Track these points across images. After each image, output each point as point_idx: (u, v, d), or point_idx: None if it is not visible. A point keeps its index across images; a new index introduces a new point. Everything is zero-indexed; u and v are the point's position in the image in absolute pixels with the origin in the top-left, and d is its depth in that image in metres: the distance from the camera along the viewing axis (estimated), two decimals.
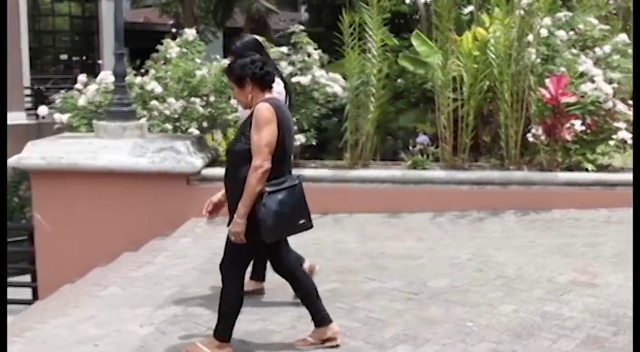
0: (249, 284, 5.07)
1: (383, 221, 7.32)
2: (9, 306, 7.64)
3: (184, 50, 8.44)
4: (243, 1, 25.18)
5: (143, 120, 7.77)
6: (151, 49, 9.15)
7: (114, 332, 4.59)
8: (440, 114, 7.98)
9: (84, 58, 25.86)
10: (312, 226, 4.25)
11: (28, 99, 21.50)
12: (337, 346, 4.22)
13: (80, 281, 6.16)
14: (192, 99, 8.16)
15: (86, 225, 7.02)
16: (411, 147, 8.22)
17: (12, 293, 8.21)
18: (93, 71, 19.33)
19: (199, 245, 6.49)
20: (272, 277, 5.57)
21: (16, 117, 20.65)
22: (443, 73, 7.94)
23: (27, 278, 8.98)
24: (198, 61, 8.18)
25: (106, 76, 8.44)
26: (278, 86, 4.66)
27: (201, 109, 8.15)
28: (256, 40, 5.08)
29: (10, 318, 6.13)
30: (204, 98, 8.23)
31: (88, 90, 8.35)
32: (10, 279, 9.55)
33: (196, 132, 8.25)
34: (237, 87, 4.13)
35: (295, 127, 8.20)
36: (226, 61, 8.39)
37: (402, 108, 9.87)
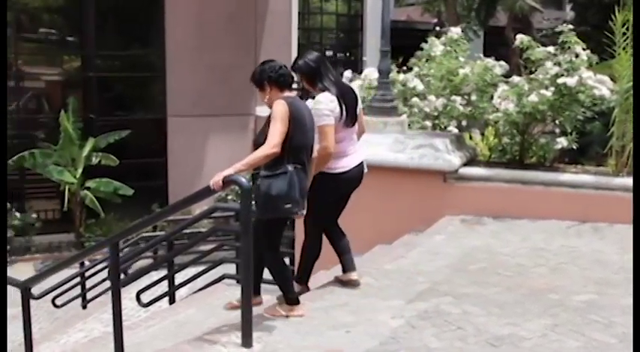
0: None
1: None
2: (268, 286, 8.15)
3: (448, 48, 8.46)
4: (507, 0, 24.77)
5: (404, 117, 7.91)
6: (413, 47, 9.27)
7: (366, 321, 4.73)
8: None
9: (347, 54, 26.80)
10: (297, 212, 4.69)
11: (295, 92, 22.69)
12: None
13: (335, 269, 6.41)
14: (453, 97, 8.16)
15: (342, 216, 7.27)
16: None
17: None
18: (356, 67, 19.99)
19: (453, 243, 6.50)
20: (526, 282, 5.47)
21: None
22: None
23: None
24: (461, 59, 8.15)
25: (370, 73, 8.68)
26: (332, 104, 5.10)
27: (461, 108, 8.13)
28: (320, 56, 5.43)
29: (268, 297, 6.52)
30: (466, 97, 8.20)
31: (353, 86, 8.64)
32: None
33: (455, 130, 8.25)
34: (259, 89, 4.88)
35: (557, 130, 8.00)
36: (489, 60, 8.35)
37: None
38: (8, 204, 19.95)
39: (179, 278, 9.23)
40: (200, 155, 20.39)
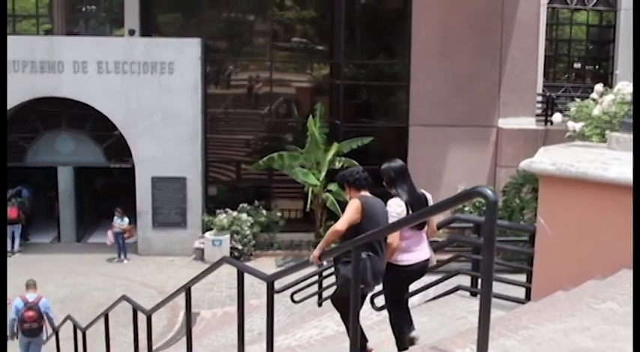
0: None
1: None
2: (502, 301, 8.02)
3: None
4: None
5: None
6: None
7: (607, 349, 4.52)
8: None
9: (596, 67, 25.68)
10: (367, 292, 5.98)
11: (539, 105, 22.08)
12: None
13: (575, 290, 6.17)
14: None
15: (585, 235, 6.99)
16: None
17: (505, 289, 8.59)
18: (605, 81, 19.09)
19: None
20: None
21: (526, 122, 21.41)
22: None
23: (521, 277, 9.27)
24: None
25: (624, 87, 8.28)
26: (399, 208, 6.16)
27: None
28: (403, 166, 6.45)
29: (501, 313, 6.43)
30: None
31: (604, 101, 8.29)
32: (504, 276, 10.01)
33: None
34: (342, 189, 6.35)
35: None
36: None
37: None
38: (256, 202, 21.24)
39: (413, 285, 9.33)
40: (438, 165, 20.48)
